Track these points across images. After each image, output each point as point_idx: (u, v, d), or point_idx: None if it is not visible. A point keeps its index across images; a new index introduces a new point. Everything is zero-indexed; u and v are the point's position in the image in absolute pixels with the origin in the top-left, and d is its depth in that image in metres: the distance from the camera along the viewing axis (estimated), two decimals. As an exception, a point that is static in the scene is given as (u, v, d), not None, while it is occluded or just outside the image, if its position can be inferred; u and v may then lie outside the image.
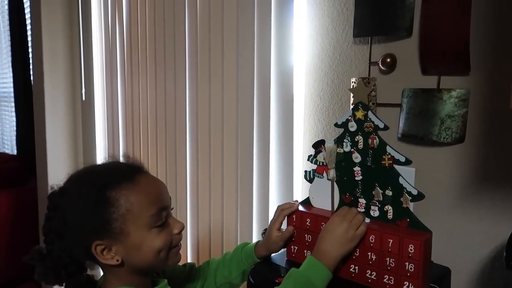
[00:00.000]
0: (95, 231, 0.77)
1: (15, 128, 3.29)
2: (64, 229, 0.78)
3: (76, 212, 0.77)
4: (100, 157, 2.20)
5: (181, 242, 0.85)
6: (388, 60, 1.02)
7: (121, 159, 0.88)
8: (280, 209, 0.96)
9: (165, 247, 0.80)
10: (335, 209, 0.92)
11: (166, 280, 0.86)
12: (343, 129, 0.90)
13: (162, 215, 0.81)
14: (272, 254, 0.98)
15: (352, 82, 1.10)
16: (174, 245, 0.83)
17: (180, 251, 0.85)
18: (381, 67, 1.04)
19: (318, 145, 0.95)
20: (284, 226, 0.96)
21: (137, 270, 0.82)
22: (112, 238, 0.77)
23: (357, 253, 0.84)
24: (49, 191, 0.83)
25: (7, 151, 3.59)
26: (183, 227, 0.84)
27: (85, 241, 0.77)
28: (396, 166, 0.83)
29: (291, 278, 0.80)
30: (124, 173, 0.80)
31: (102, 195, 0.76)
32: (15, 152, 3.35)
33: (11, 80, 3.26)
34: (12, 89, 3.27)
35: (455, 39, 0.91)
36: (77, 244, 0.78)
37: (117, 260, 0.78)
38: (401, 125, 1.00)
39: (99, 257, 0.78)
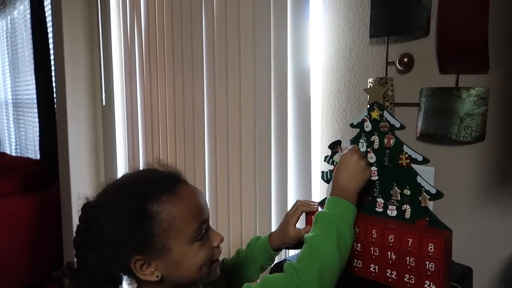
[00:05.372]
0: (135, 246, 0.73)
1: (38, 133, 3.38)
2: (100, 243, 0.73)
3: (115, 226, 0.73)
4: (121, 160, 2.24)
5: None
6: (405, 59, 1.02)
7: (156, 167, 0.83)
8: (298, 203, 0.96)
9: (207, 262, 0.77)
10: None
11: None
12: (359, 130, 0.91)
13: (203, 228, 0.78)
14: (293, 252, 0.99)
15: (369, 82, 1.10)
16: (215, 259, 0.80)
17: None
18: (399, 66, 1.03)
19: (335, 146, 0.95)
20: (300, 223, 0.96)
21: (177, 286, 0.78)
22: (153, 254, 0.73)
23: (376, 253, 0.84)
24: (77, 200, 0.79)
25: (30, 156, 3.69)
26: (222, 239, 0.81)
27: (123, 256, 0.74)
28: (415, 166, 0.83)
29: (319, 221, 0.78)
30: (165, 183, 0.76)
31: (143, 208, 0.72)
32: (38, 157, 3.44)
33: (34, 87, 3.35)
34: (35, 96, 3.37)
35: (473, 37, 0.90)
36: (115, 259, 0.74)
37: (157, 276, 0.75)
38: (419, 124, 1.00)
39: (138, 273, 0.74)
